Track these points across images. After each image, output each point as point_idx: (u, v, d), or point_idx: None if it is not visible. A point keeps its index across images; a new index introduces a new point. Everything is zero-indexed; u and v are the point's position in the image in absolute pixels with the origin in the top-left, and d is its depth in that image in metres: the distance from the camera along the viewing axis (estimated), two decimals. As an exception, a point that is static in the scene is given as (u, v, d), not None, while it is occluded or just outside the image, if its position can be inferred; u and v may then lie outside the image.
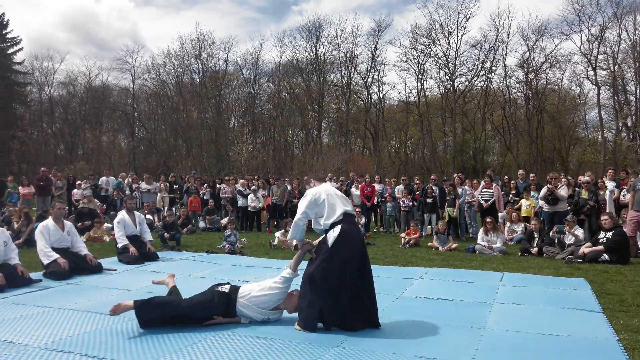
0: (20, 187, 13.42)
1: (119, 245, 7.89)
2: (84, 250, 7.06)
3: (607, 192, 9.87)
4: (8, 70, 35.94)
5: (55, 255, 6.52)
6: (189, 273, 6.90)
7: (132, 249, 7.69)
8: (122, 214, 8.21)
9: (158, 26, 56.98)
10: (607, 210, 9.41)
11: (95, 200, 13.47)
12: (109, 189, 14.72)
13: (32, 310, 4.79)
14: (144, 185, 14.12)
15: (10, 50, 36.49)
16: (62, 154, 39.43)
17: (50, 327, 4.22)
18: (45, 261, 6.55)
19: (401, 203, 12.27)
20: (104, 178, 15.49)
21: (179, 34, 67.68)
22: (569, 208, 10.13)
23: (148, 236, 8.34)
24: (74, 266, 6.61)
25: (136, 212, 8.52)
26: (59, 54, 47.28)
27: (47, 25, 57.15)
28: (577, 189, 10.58)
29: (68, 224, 7.21)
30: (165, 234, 9.82)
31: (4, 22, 36.09)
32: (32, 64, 38.96)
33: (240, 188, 13.61)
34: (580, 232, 8.70)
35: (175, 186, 15.05)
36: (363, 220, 11.49)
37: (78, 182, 14.77)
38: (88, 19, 57.43)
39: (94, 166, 32.50)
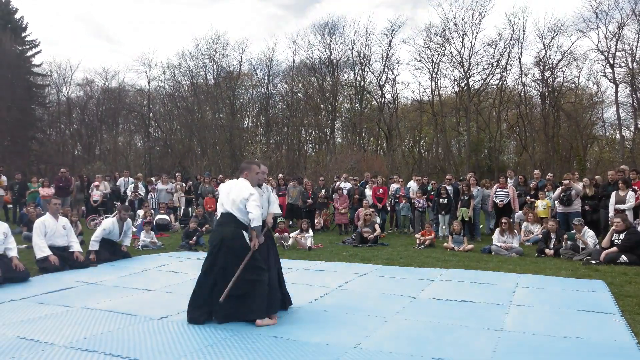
0: (40, 189, 13.67)
1: (90, 249, 7.88)
2: (75, 246, 7.50)
3: (629, 195, 9.64)
4: (27, 73, 36.58)
5: (48, 252, 6.99)
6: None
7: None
8: (113, 223, 8.28)
9: (177, 25, 57.40)
10: (611, 213, 9.31)
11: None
12: (127, 190, 14.91)
13: (55, 309, 4.92)
14: (160, 186, 14.27)
15: (30, 53, 37.17)
16: (79, 155, 40.00)
17: (74, 326, 4.33)
18: (39, 255, 6.99)
19: (416, 203, 12.25)
20: (122, 179, 15.69)
21: (194, 35, 68.25)
22: (587, 209, 10.04)
23: (127, 241, 8.66)
24: (63, 262, 7.10)
25: (126, 222, 8.58)
26: (77, 56, 47.77)
27: (64, 26, 58.15)
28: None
29: (63, 219, 7.62)
30: (190, 242, 9.82)
31: (24, 26, 36.79)
32: (50, 65, 39.62)
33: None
34: (590, 235, 8.59)
35: (188, 183, 15.22)
36: (378, 220, 11.47)
37: (95, 183, 14.90)
38: (105, 20, 58.26)
39: (111, 166, 32.93)
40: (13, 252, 6.42)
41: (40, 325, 4.34)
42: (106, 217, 10.92)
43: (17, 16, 36.53)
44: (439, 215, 11.52)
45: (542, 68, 32.53)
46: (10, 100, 32.66)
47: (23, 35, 36.72)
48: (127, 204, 14.12)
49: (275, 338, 4.02)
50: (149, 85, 40.46)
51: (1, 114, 31.42)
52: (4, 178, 14.11)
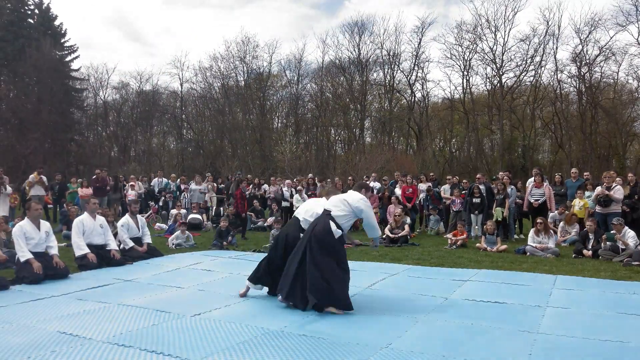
0: (79, 189, 14.15)
1: (127, 247, 8.21)
2: (111, 244, 7.74)
3: None
4: (66, 77, 37.91)
5: (87, 250, 7.26)
6: (238, 272, 7.06)
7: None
8: (127, 218, 8.60)
9: (208, 28, 58.35)
10: None
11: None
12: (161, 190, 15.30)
13: (94, 305, 5.07)
14: (193, 186, 14.54)
15: (68, 58, 38.51)
16: (115, 156, 41.21)
17: (111, 322, 4.45)
18: (77, 253, 7.27)
19: (449, 203, 12.09)
20: (156, 179, 16.12)
21: (225, 37, 69.20)
22: (625, 209, 9.64)
23: (147, 239, 8.71)
24: (101, 260, 7.35)
25: (138, 216, 8.87)
26: (113, 59, 49.25)
27: (100, 30, 60.02)
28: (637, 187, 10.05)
29: (100, 218, 7.91)
30: (225, 243, 9.88)
31: (63, 32, 38.15)
32: (87, 70, 40.98)
33: (285, 188, 13.81)
34: (631, 235, 8.23)
35: (220, 185, 15.45)
36: (408, 221, 11.34)
37: (131, 183, 15.33)
38: (139, 24, 59.80)
39: (145, 167, 33.78)
40: (54, 250, 6.70)
41: (79, 321, 4.48)
42: (141, 216, 11.19)
43: (56, 22, 37.92)
44: (472, 215, 11.30)
45: (578, 64, 31.52)
46: (50, 104, 33.94)
47: (62, 41, 38.07)
48: (161, 203, 14.53)
49: (305, 336, 4.03)
50: (182, 88, 41.36)
51: (42, 118, 32.68)
52: (44, 178, 14.65)
